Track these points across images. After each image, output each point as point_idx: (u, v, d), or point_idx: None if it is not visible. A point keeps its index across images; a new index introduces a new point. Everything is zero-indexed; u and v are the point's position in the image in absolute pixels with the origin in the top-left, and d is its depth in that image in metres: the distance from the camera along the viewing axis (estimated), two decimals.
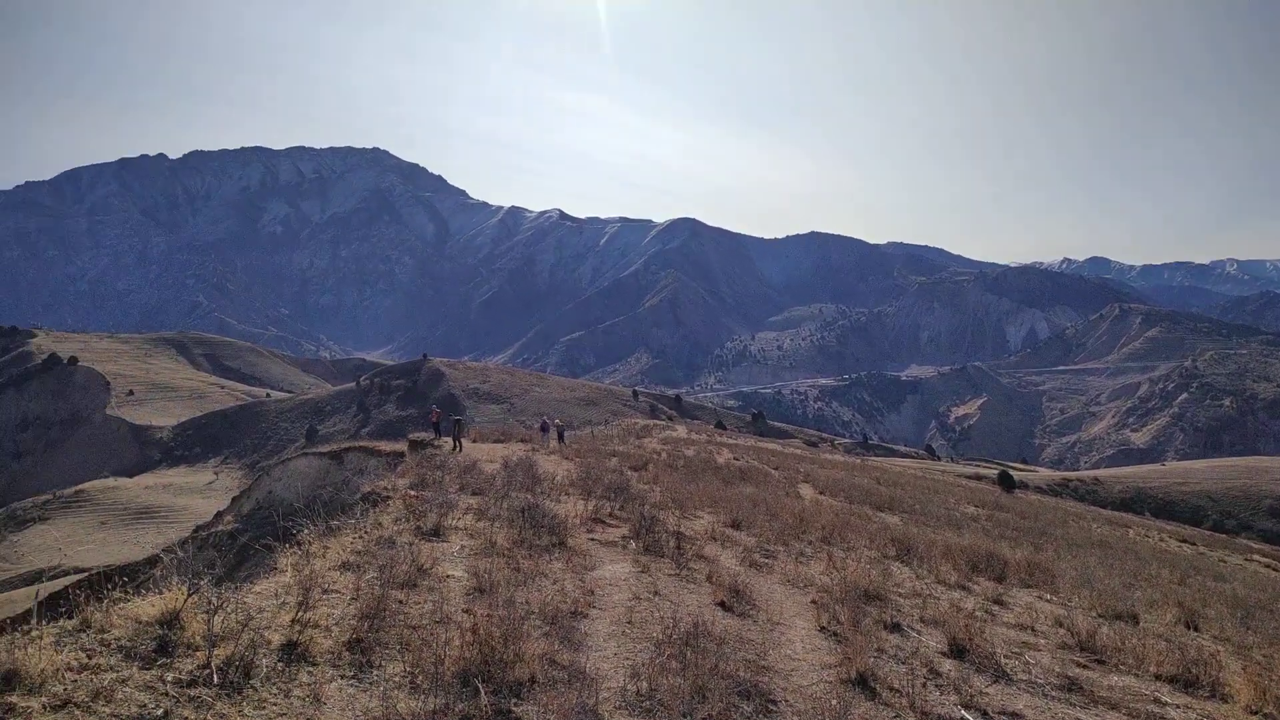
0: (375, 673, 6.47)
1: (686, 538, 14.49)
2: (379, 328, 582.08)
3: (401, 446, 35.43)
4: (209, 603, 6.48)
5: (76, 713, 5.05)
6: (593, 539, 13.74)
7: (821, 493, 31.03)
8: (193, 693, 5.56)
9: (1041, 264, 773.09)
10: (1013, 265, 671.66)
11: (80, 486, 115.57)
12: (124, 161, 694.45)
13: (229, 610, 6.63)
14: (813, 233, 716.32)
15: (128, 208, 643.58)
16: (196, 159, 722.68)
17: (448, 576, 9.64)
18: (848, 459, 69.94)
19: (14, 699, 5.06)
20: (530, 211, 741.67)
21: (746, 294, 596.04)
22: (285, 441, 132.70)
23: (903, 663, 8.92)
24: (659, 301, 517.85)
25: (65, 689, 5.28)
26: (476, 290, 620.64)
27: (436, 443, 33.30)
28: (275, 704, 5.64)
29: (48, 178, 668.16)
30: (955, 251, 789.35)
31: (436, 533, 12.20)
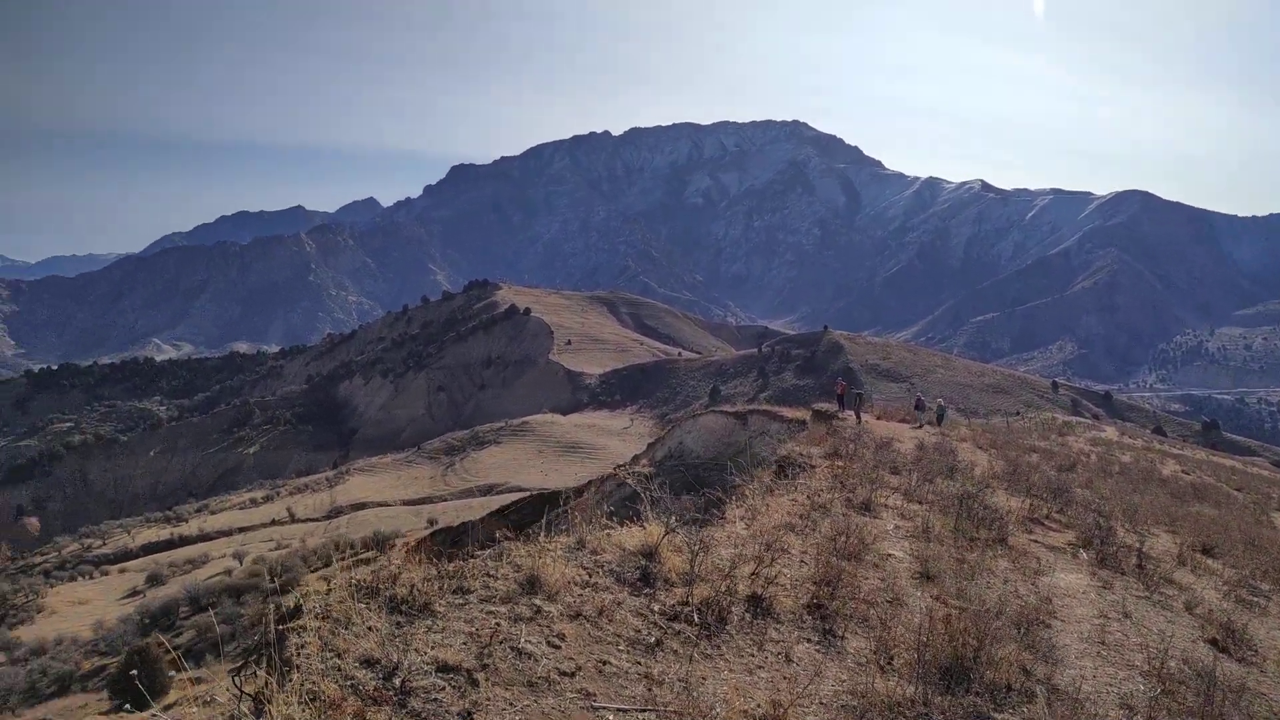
0: (840, 643, 6.38)
1: (1149, 556, 12.61)
2: (783, 297, 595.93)
3: (802, 414, 35.73)
4: (688, 545, 6.86)
5: (586, 625, 5.60)
6: (1034, 541, 12.53)
7: None
8: (676, 627, 5.90)
9: None
10: None
11: (525, 419, 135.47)
12: (576, 139, 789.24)
13: (697, 552, 6.95)
14: None
15: (576, 180, 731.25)
16: (634, 135, 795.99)
17: (889, 555, 9.33)
18: None
19: (538, 602, 5.77)
20: (949, 183, 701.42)
21: (1207, 281, 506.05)
22: (691, 397, 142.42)
23: None
24: (1093, 284, 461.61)
25: (575, 601, 5.90)
26: (883, 264, 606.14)
27: (841, 415, 33.05)
28: (751, 655, 5.78)
29: (517, 154, 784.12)
30: None
31: (867, 507, 11.94)
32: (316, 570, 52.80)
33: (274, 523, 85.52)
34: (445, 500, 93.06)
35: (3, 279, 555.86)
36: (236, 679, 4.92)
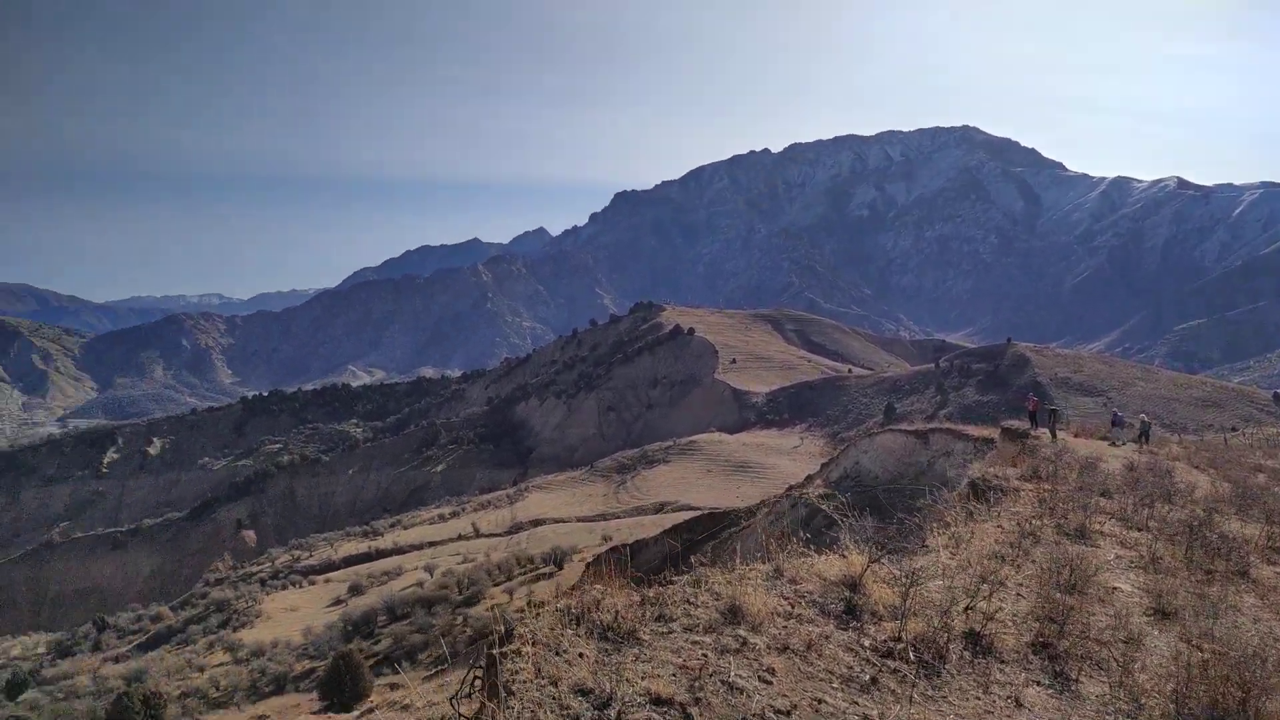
0: (1075, 687, 5.80)
1: None
2: (960, 309, 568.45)
3: (990, 433, 33.70)
4: (897, 576, 6.48)
5: (795, 659, 5.35)
6: None
7: None
8: (891, 665, 5.54)
9: None
10: None
11: (693, 438, 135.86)
12: (735, 159, 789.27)
13: (910, 585, 6.54)
14: None
15: (736, 199, 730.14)
16: (794, 151, 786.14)
17: (1114, 589, 8.49)
18: None
19: (742, 633, 5.57)
20: (1140, 181, 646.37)
21: None
22: (864, 415, 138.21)
23: None
24: None
25: (780, 634, 5.66)
26: (1069, 270, 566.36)
27: (1035, 433, 30.95)
28: (977, 698, 5.33)
29: (677, 177, 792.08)
30: None
31: (1082, 535, 10.98)
32: (500, 584, 54.94)
33: (460, 537, 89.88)
34: (618, 517, 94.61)
35: (220, 315, 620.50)
36: (454, 701, 5.02)
